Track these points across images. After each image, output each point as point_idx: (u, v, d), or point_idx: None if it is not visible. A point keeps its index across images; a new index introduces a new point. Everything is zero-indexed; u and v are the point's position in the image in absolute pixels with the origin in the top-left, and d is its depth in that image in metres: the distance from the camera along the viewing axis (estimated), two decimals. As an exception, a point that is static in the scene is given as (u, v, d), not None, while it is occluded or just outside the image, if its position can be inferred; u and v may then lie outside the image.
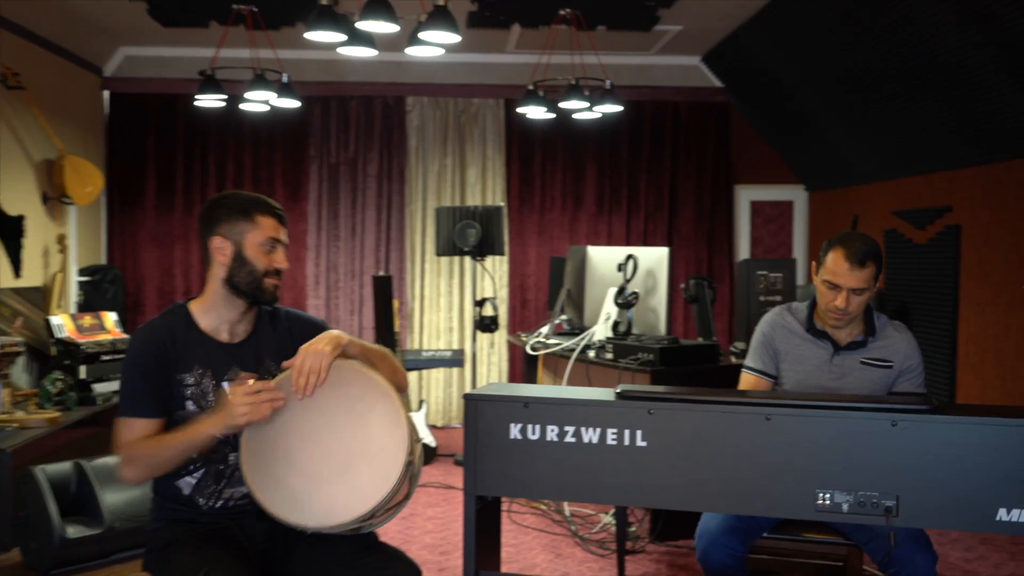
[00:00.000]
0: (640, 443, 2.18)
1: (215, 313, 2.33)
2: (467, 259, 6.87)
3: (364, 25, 4.14)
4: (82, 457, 3.61)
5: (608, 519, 4.54)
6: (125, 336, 5.19)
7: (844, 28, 5.34)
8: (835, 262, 2.80)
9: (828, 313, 2.85)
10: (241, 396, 2.11)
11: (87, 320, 5.32)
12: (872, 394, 2.84)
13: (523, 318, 7.44)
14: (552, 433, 2.22)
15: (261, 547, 2.29)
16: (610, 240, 7.40)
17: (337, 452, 2.13)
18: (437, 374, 7.33)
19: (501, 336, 7.27)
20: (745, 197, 7.73)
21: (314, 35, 4.30)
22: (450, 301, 7.36)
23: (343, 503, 2.09)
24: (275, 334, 2.39)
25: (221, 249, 2.29)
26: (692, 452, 2.16)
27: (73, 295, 6.43)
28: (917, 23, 4.76)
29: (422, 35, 4.25)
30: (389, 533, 4.45)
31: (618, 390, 2.25)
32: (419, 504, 5.05)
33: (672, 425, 2.17)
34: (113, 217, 7.21)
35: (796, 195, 7.73)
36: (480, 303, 6.06)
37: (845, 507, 2.10)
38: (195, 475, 2.27)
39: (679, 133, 7.53)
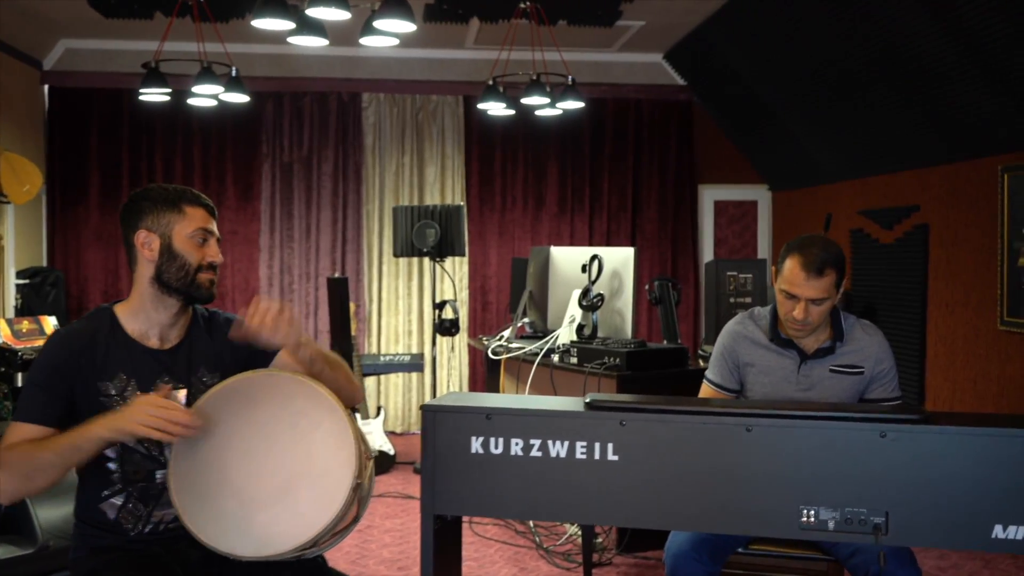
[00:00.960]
0: (611, 457, 2.01)
1: (144, 316, 2.11)
2: (426, 260, 6.68)
3: (314, 12, 3.95)
4: (15, 471, 3.36)
5: (573, 530, 4.38)
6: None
7: (809, 24, 5.23)
8: (791, 271, 2.61)
9: (788, 323, 2.69)
10: (148, 404, 1.90)
11: (25, 325, 5.10)
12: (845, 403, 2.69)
13: (484, 321, 7.26)
14: (516, 447, 2.04)
15: (196, 575, 2.08)
16: (573, 241, 7.25)
17: (277, 473, 1.93)
18: (396, 379, 7.12)
19: (462, 339, 7.09)
20: (709, 197, 7.62)
21: (262, 23, 4.09)
22: (409, 304, 7.16)
23: (282, 530, 1.89)
24: (212, 340, 2.18)
25: (147, 244, 2.08)
26: (667, 466, 2.00)
27: (11, 299, 6.15)
28: (883, 20, 4.67)
29: (377, 24, 4.07)
30: (344, 547, 4.24)
31: (587, 400, 2.08)
32: (376, 516, 4.84)
33: (646, 438, 2.00)
34: (54, 217, 6.90)
35: (760, 195, 7.64)
36: (440, 306, 5.88)
37: (831, 524, 1.96)
38: (119, 497, 2.05)
39: (641, 131, 7.40)
